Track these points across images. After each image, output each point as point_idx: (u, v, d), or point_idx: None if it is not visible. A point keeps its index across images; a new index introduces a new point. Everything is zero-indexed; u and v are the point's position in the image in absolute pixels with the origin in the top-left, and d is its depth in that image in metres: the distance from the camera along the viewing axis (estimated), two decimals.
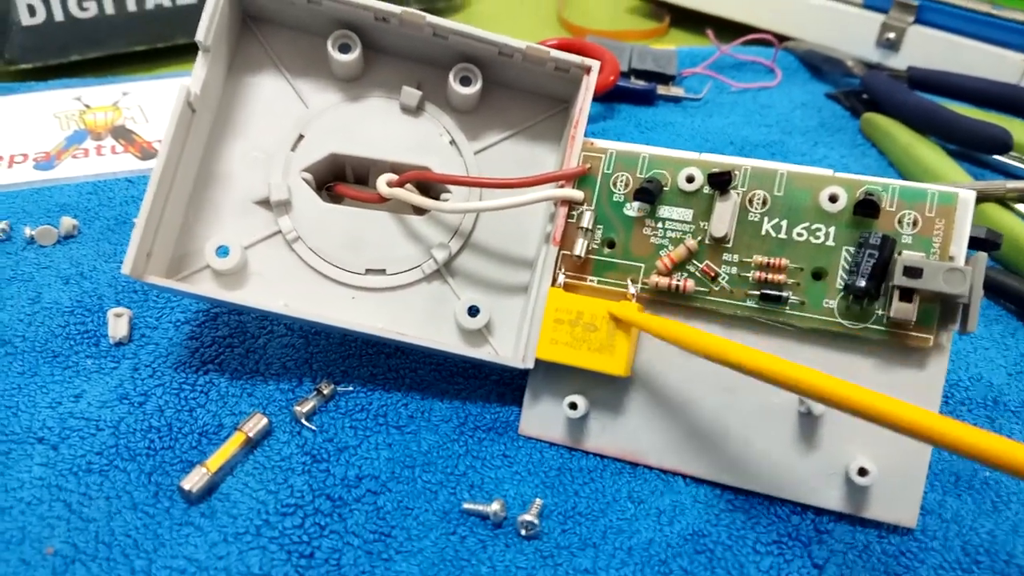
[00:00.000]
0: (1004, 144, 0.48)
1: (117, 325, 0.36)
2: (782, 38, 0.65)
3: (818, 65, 0.63)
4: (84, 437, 0.32)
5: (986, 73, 0.57)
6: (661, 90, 0.57)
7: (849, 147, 0.54)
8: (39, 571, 0.27)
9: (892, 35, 0.62)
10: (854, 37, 0.64)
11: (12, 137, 0.49)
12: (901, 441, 0.30)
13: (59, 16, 0.58)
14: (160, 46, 0.62)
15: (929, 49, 0.61)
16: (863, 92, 0.58)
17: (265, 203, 0.35)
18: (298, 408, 0.33)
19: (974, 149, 0.51)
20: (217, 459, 0.30)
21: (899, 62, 0.62)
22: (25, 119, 0.51)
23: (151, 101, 0.53)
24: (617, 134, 0.53)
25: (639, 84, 0.57)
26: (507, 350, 0.34)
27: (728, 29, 0.66)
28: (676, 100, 0.58)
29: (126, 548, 0.28)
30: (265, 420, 0.32)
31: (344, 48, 0.34)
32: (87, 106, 0.53)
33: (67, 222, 0.42)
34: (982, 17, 0.60)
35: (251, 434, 0.31)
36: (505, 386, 0.35)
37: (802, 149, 0.53)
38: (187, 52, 0.62)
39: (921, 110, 0.52)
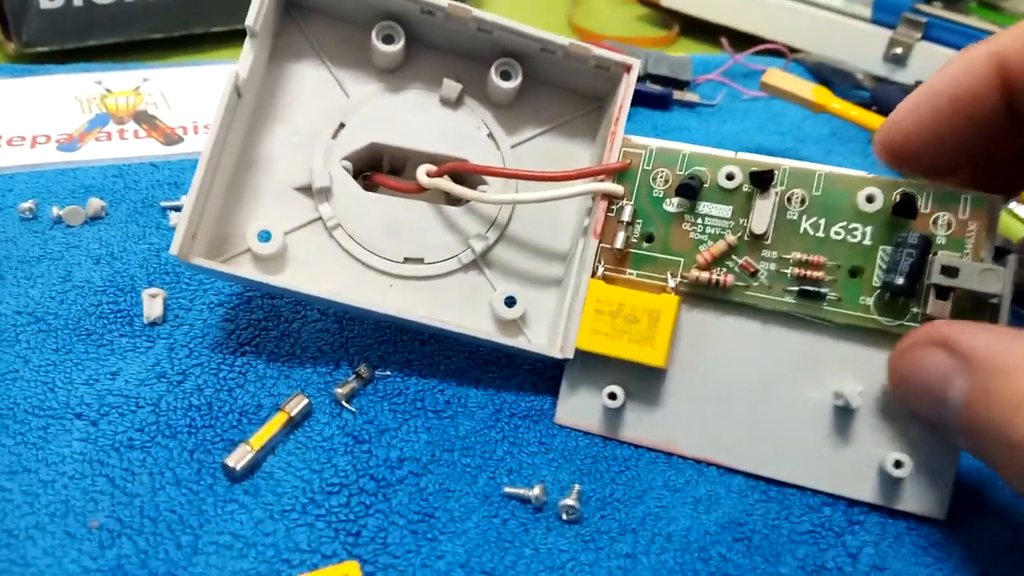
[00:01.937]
0: None
1: (152, 305, 0.36)
2: (792, 50, 0.66)
3: (828, 77, 0.64)
4: (124, 414, 0.32)
5: None
6: (676, 95, 0.58)
7: (861, 156, 0.55)
8: (85, 544, 0.27)
9: (899, 50, 0.64)
10: (862, 51, 0.65)
11: (33, 118, 0.49)
12: (933, 436, 0.31)
13: (77, 0, 0.58)
14: (176, 34, 0.62)
15: (935, 65, 0.62)
16: (872, 104, 0.59)
17: (305, 190, 0.35)
18: (338, 390, 0.33)
19: None
20: (260, 438, 0.31)
21: (906, 77, 0.63)
22: (45, 101, 0.51)
23: (173, 88, 0.53)
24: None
25: (655, 88, 0.58)
26: (542, 340, 0.35)
27: (738, 39, 0.67)
28: (691, 105, 0.59)
29: (172, 523, 0.28)
30: (306, 400, 0.32)
31: (388, 39, 0.35)
32: (108, 90, 0.52)
33: (95, 203, 0.42)
34: (988, 35, 0.61)
35: (292, 414, 0.32)
36: (538, 376, 0.36)
37: (815, 157, 0.54)
38: (203, 41, 0.62)
39: None
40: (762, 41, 0.65)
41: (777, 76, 0.51)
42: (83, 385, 0.33)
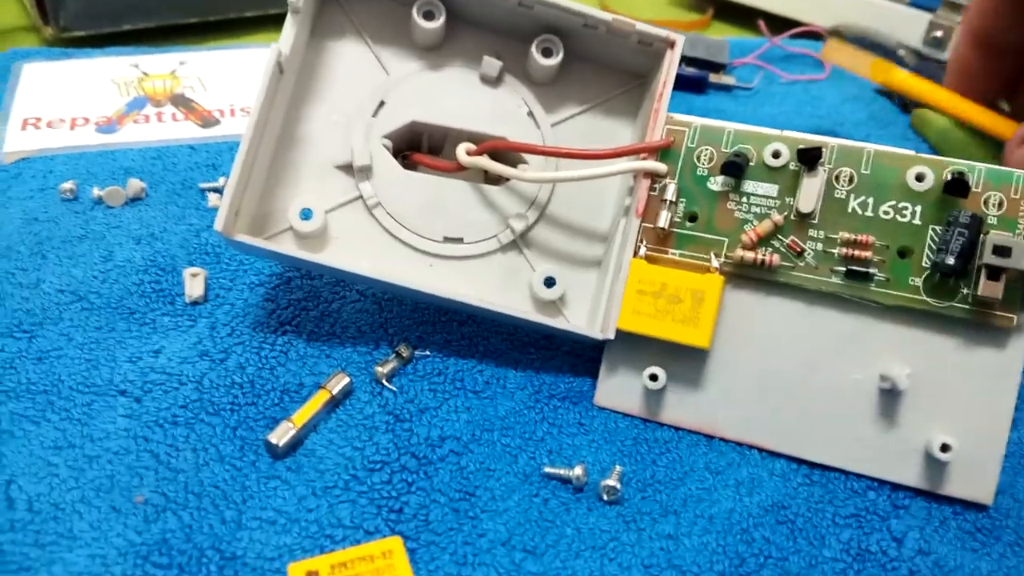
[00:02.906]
0: None
1: (193, 284, 0.36)
2: (830, 33, 0.65)
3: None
4: (167, 391, 0.32)
5: None
6: (713, 78, 0.58)
7: (900, 140, 0.54)
8: (130, 518, 0.28)
9: (939, 33, 0.62)
10: (901, 34, 0.64)
11: (72, 100, 0.49)
12: (980, 419, 0.30)
13: None
14: (212, 19, 0.62)
15: None
16: None
17: (346, 168, 0.35)
18: (379, 369, 0.33)
19: None
20: (302, 415, 0.31)
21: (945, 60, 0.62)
22: (84, 84, 0.51)
23: (209, 71, 0.53)
24: None
25: (691, 71, 0.57)
26: (581, 321, 0.35)
27: (774, 22, 0.66)
28: (727, 89, 0.58)
29: (215, 499, 0.28)
30: (347, 379, 0.32)
31: (428, 15, 0.35)
32: (145, 73, 0.53)
33: (135, 184, 0.42)
34: None
35: (334, 392, 0.32)
36: (576, 357, 0.35)
37: (854, 141, 0.53)
38: (238, 25, 0.62)
39: None
40: (799, 24, 0.64)
41: (839, 48, 0.51)
42: (126, 363, 0.33)
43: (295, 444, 0.30)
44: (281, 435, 0.30)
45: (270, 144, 0.34)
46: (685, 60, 0.58)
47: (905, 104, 0.58)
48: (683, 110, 0.55)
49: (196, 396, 0.32)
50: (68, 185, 0.42)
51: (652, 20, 0.70)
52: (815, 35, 0.63)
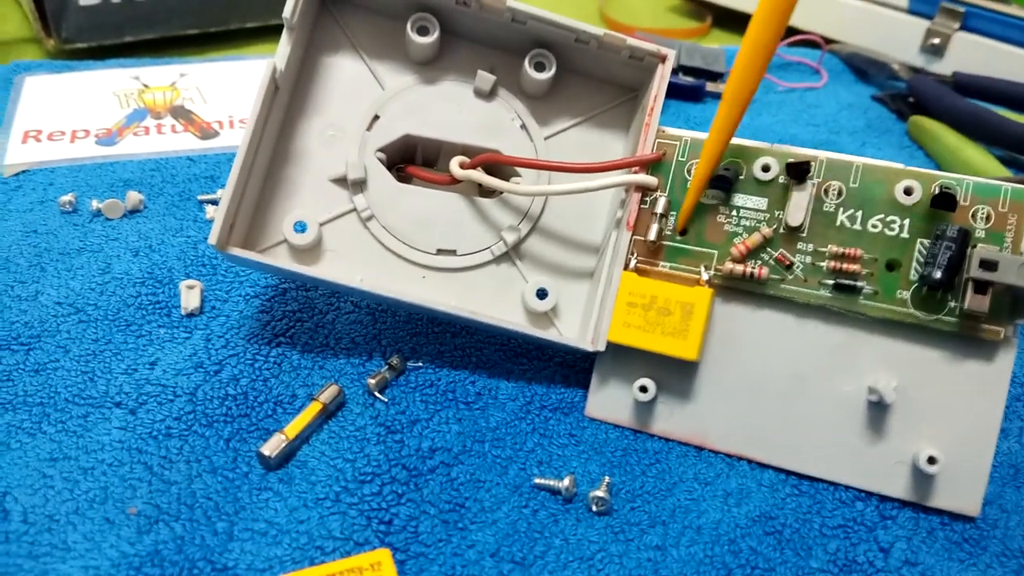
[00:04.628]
0: None
1: (189, 297, 0.37)
2: (827, 40, 0.65)
3: (863, 68, 0.63)
4: (162, 403, 0.32)
5: None
6: (709, 87, 0.58)
7: (896, 148, 0.54)
8: (123, 530, 0.28)
9: (937, 40, 0.63)
10: (898, 42, 0.64)
11: (73, 113, 0.50)
12: (968, 431, 0.30)
13: None
14: (212, 30, 0.62)
15: (973, 55, 0.62)
16: (909, 95, 0.58)
17: (340, 181, 0.35)
18: (371, 381, 0.33)
19: (1021, 153, 0.52)
20: (294, 427, 0.31)
21: (943, 67, 0.63)
22: (84, 96, 0.52)
23: (209, 83, 0.54)
24: None
25: (688, 80, 0.57)
26: (573, 332, 0.35)
27: None
28: None
29: (208, 510, 0.29)
30: (340, 391, 0.32)
31: (422, 31, 0.35)
32: (145, 85, 0.53)
33: (133, 196, 0.43)
34: None
35: (326, 403, 0.32)
36: (569, 368, 0.36)
37: (850, 149, 0.54)
38: (239, 37, 0.63)
39: (969, 114, 0.53)
40: (797, 32, 0.64)
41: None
42: (122, 375, 0.33)
43: (287, 456, 0.31)
44: (274, 447, 0.30)
45: (265, 158, 0.34)
46: (682, 69, 0.58)
47: (902, 112, 0.58)
48: (680, 119, 0.56)
49: (190, 408, 0.32)
50: (67, 198, 0.42)
51: (651, 28, 0.70)
52: (812, 43, 0.63)
